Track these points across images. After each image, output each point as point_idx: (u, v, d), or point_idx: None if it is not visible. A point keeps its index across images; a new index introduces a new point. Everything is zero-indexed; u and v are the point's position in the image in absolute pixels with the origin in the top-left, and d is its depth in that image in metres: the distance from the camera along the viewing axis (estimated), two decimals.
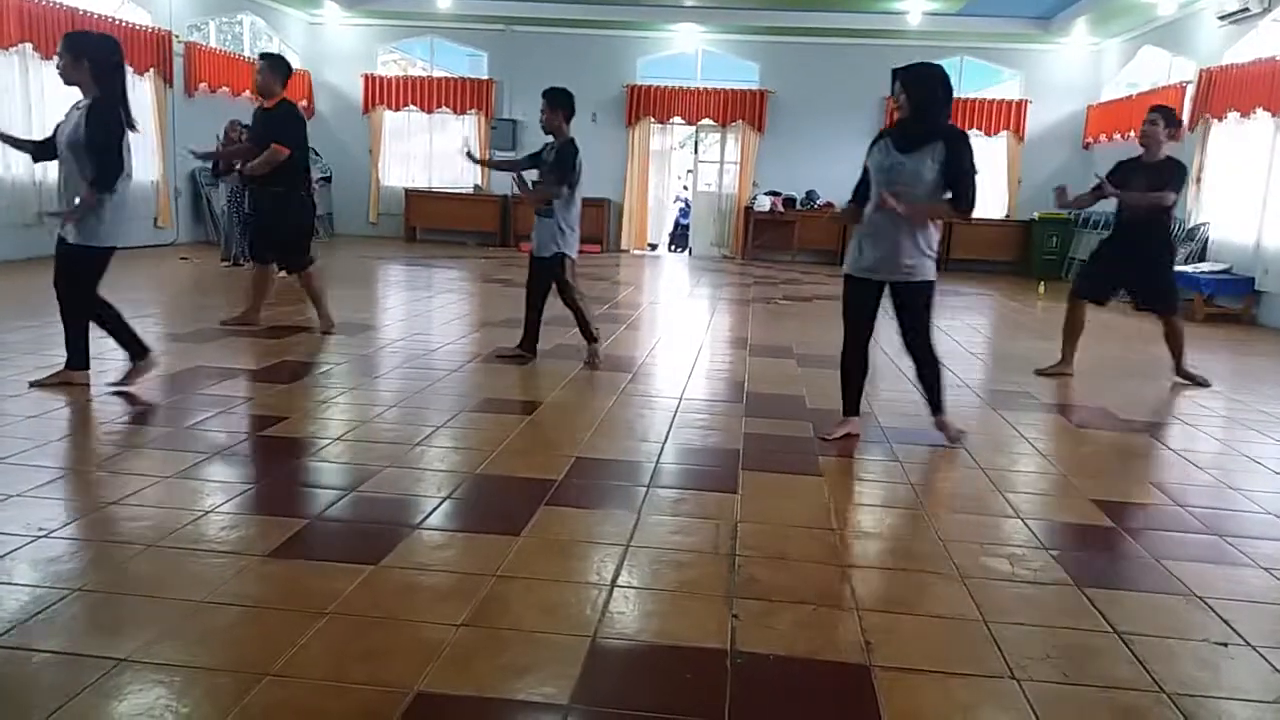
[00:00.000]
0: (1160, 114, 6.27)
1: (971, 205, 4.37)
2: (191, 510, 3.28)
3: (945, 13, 14.10)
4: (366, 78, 16.66)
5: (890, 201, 4.24)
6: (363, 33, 16.62)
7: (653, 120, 16.42)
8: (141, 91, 12.62)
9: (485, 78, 16.61)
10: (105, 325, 4.97)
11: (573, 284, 6.14)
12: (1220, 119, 11.12)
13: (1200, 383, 6.36)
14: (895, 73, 4.33)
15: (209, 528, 3.15)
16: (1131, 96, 13.89)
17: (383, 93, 16.77)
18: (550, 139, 6.20)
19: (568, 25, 15.75)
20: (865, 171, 4.53)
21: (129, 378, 5.00)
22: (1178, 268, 10.92)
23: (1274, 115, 10.08)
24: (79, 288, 4.83)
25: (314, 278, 7.00)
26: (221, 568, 2.83)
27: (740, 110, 16.15)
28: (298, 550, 2.99)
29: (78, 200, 4.69)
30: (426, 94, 16.79)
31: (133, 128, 4.90)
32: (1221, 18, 11.12)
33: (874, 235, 4.44)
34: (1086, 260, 7.11)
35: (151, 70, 12.54)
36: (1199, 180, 11.59)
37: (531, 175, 6.43)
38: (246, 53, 15.37)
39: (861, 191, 4.56)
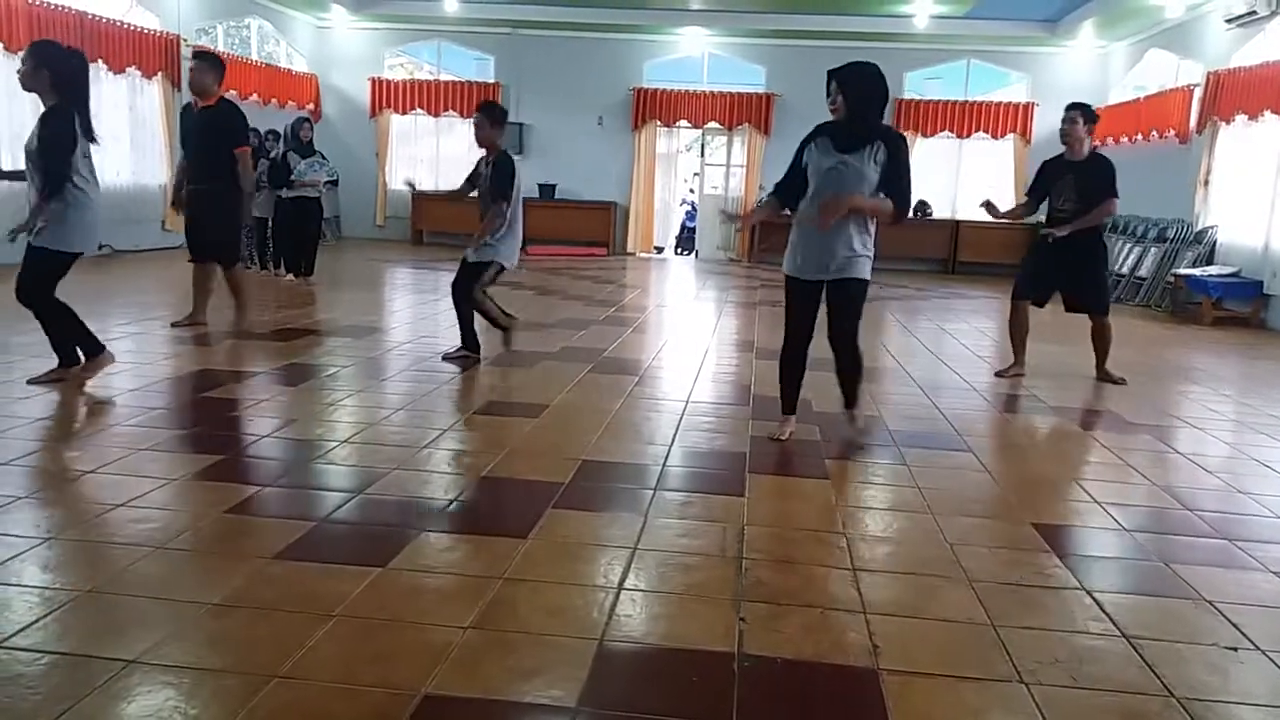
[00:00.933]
0: (1079, 111, 6.21)
1: (907, 208, 4.38)
2: (199, 512, 3.29)
3: (952, 16, 14.08)
4: (373, 81, 16.70)
5: (830, 213, 4.21)
6: (370, 36, 16.66)
7: (659, 123, 16.43)
8: (149, 95, 12.67)
9: (492, 81, 16.64)
10: (48, 327, 4.99)
11: (483, 288, 6.17)
12: (1228, 122, 11.10)
13: (1117, 381, 6.35)
14: (831, 73, 4.26)
15: (217, 530, 3.16)
16: (1139, 99, 13.87)
17: (389, 96, 16.80)
18: (484, 154, 6.18)
19: (574, 29, 15.77)
20: (795, 168, 4.44)
21: (46, 376, 5.00)
22: (1186, 270, 10.95)
23: None
24: (38, 288, 4.87)
25: (241, 277, 7.13)
26: (229, 570, 2.84)
27: (746, 113, 16.16)
28: (305, 552, 2.99)
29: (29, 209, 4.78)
30: (433, 97, 16.82)
31: (91, 138, 4.91)
32: (1229, 21, 11.09)
33: (810, 235, 4.38)
34: (1022, 261, 7.11)
35: (160, 74, 12.58)
36: (1207, 183, 11.57)
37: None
38: (254, 56, 15.41)
39: (789, 187, 4.48)
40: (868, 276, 4.48)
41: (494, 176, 6.08)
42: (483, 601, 2.69)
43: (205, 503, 3.40)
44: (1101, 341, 6.46)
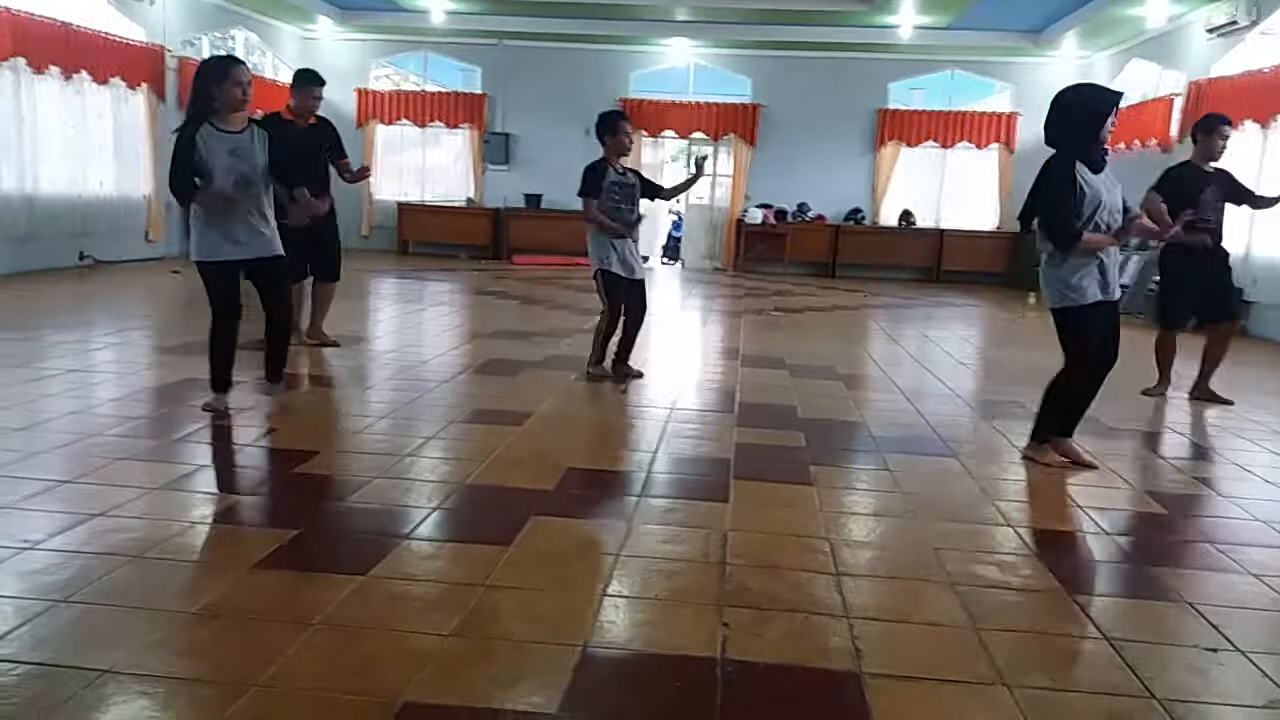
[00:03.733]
0: (1228, 123, 6.18)
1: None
2: (179, 521, 3.26)
3: (936, 26, 14.16)
4: (360, 92, 16.67)
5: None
6: (356, 47, 16.65)
7: (645, 134, 16.45)
8: (134, 106, 12.62)
9: (478, 92, 16.66)
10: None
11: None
12: (1231, 123, 11.17)
13: (1226, 401, 6.22)
14: (1116, 96, 4.38)
15: (197, 539, 3.14)
16: (1122, 109, 13.96)
17: (376, 107, 16.79)
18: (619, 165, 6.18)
19: (561, 40, 15.80)
20: (1086, 197, 4.26)
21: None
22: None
23: (1263, 127, 10.15)
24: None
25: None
26: (209, 579, 2.82)
27: (732, 124, 16.21)
28: (286, 561, 2.97)
29: None
30: (419, 108, 16.82)
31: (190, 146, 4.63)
32: (1210, 30, 11.19)
33: (1109, 254, 4.35)
34: (1169, 288, 6.42)
35: (144, 85, 12.54)
36: None
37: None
38: None
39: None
40: None
41: (643, 185, 6.16)
42: (464, 609, 2.67)
43: (185, 512, 3.37)
44: (1221, 350, 6.24)
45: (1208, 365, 6.31)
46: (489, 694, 2.25)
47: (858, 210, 16.12)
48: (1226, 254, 6.29)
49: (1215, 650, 2.64)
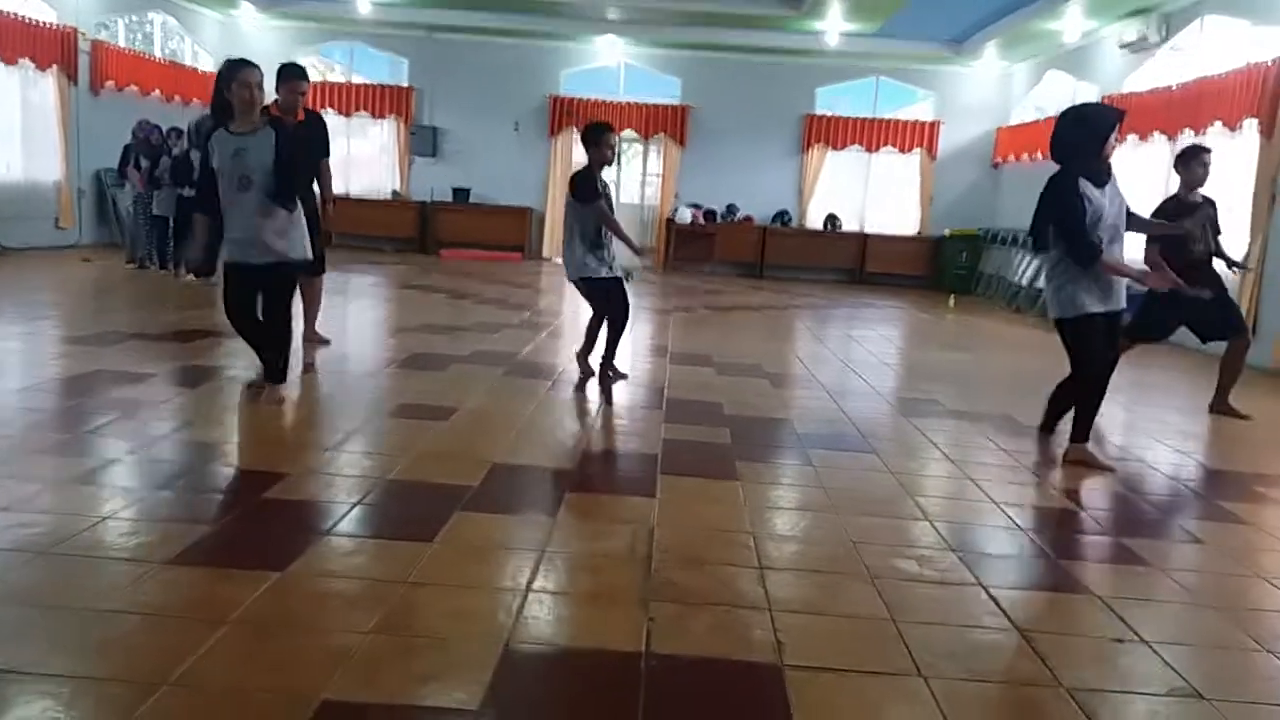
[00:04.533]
0: (1209, 153, 6.17)
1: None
2: (88, 516, 3.15)
3: (862, 34, 14.41)
4: None
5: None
6: (280, 35, 16.27)
7: (575, 131, 16.40)
8: (44, 89, 12.16)
9: (406, 84, 16.43)
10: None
11: None
12: (1121, 142, 11.58)
13: (1244, 417, 6.19)
14: (1118, 115, 4.46)
15: (106, 534, 3.03)
16: (1039, 120, 14.38)
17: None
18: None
19: (491, 34, 15.67)
20: (1088, 211, 4.37)
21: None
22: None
23: (1170, 139, 10.54)
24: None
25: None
26: (119, 575, 2.72)
27: (662, 124, 16.27)
28: (200, 557, 2.89)
29: None
30: (345, 99, 16.52)
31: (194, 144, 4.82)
32: (1122, 46, 11.60)
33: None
34: (1149, 308, 6.23)
35: (54, 67, 12.09)
36: None
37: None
38: (157, 53, 14.93)
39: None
40: None
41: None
42: (385, 606, 2.63)
43: (94, 506, 3.26)
44: (1237, 365, 6.20)
45: (1226, 381, 6.28)
46: (409, 691, 2.22)
47: (785, 212, 16.33)
48: (1217, 275, 6.25)
49: (1121, 641, 2.73)
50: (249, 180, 4.58)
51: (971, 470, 4.53)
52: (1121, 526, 3.84)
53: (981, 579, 3.13)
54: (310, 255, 4.94)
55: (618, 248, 6.08)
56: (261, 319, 4.83)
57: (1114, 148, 4.43)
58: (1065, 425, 4.89)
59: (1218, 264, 6.23)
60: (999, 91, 15.91)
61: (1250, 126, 9.05)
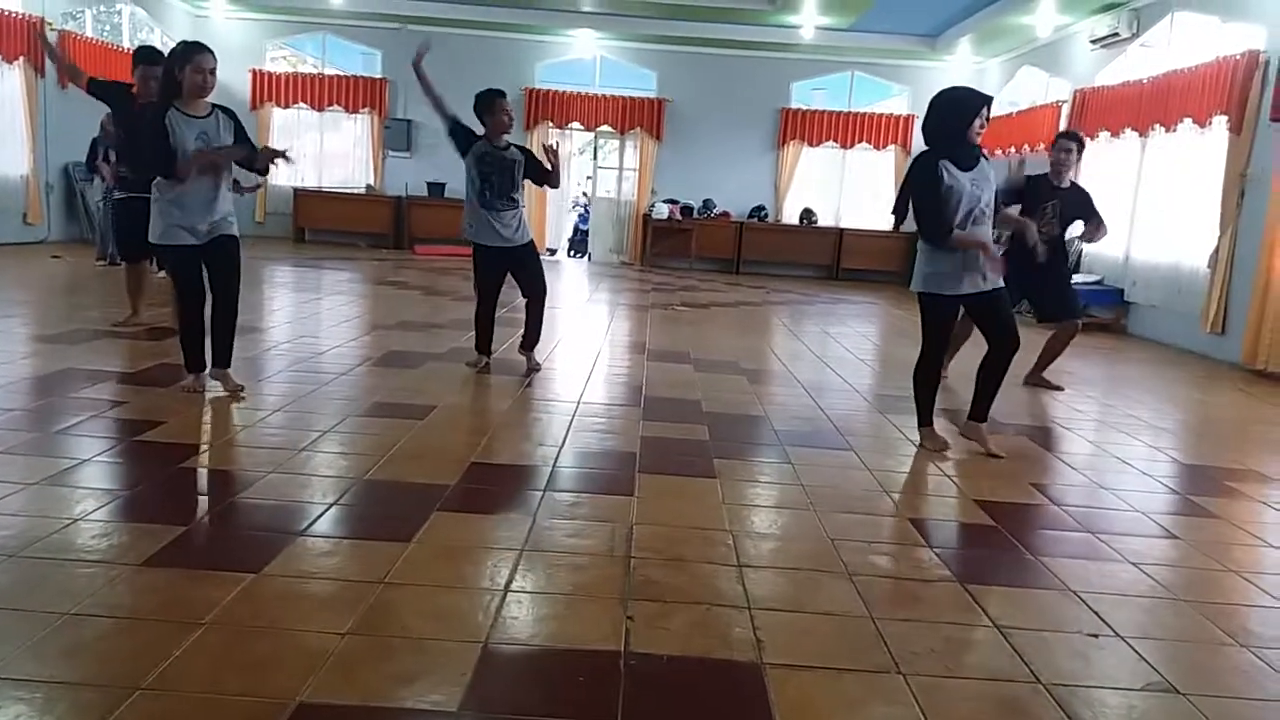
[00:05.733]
0: (1075, 141, 6.45)
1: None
2: (59, 518, 3.10)
3: (837, 28, 14.45)
4: (254, 73, 16.15)
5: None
6: (251, 27, 16.11)
7: (551, 124, 16.36)
8: (10, 81, 11.97)
9: (379, 76, 16.31)
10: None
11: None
12: (1092, 138, 11.67)
13: (1056, 388, 6.63)
14: (985, 99, 4.52)
15: (78, 536, 2.99)
16: (1012, 114, 14.47)
17: (271, 89, 16.29)
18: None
19: (465, 26, 15.58)
20: (940, 192, 4.42)
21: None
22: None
23: (1141, 135, 10.64)
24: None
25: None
26: (91, 578, 2.68)
27: (638, 118, 16.24)
28: (174, 559, 2.86)
29: None
30: (317, 92, 16.38)
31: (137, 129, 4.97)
32: (1094, 41, 11.70)
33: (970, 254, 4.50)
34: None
35: (21, 59, 11.90)
36: None
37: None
38: (126, 44, 14.72)
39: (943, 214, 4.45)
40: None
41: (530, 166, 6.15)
42: (362, 607, 2.61)
43: (66, 508, 3.21)
44: (1061, 346, 6.64)
45: (1046, 357, 6.70)
46: (387, 693, 2.20)
47: (761, 208, 16.35)
48: (1065, 259, 6.67)
49: (1097, 636, 2.76)
50: (214, 164, 4.71)
51: (948, 467, 4.55)
52: (1096, 522, 3.87)
53: (958, 575, 3.15)
54: None
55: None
56: (215, 298, 4.91)
57: (979, 132, 4.47)
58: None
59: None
60: (973, 86, 15.97)
61: (1220, 123, 9.14)
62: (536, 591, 2.84)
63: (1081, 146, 6.56)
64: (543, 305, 6.20)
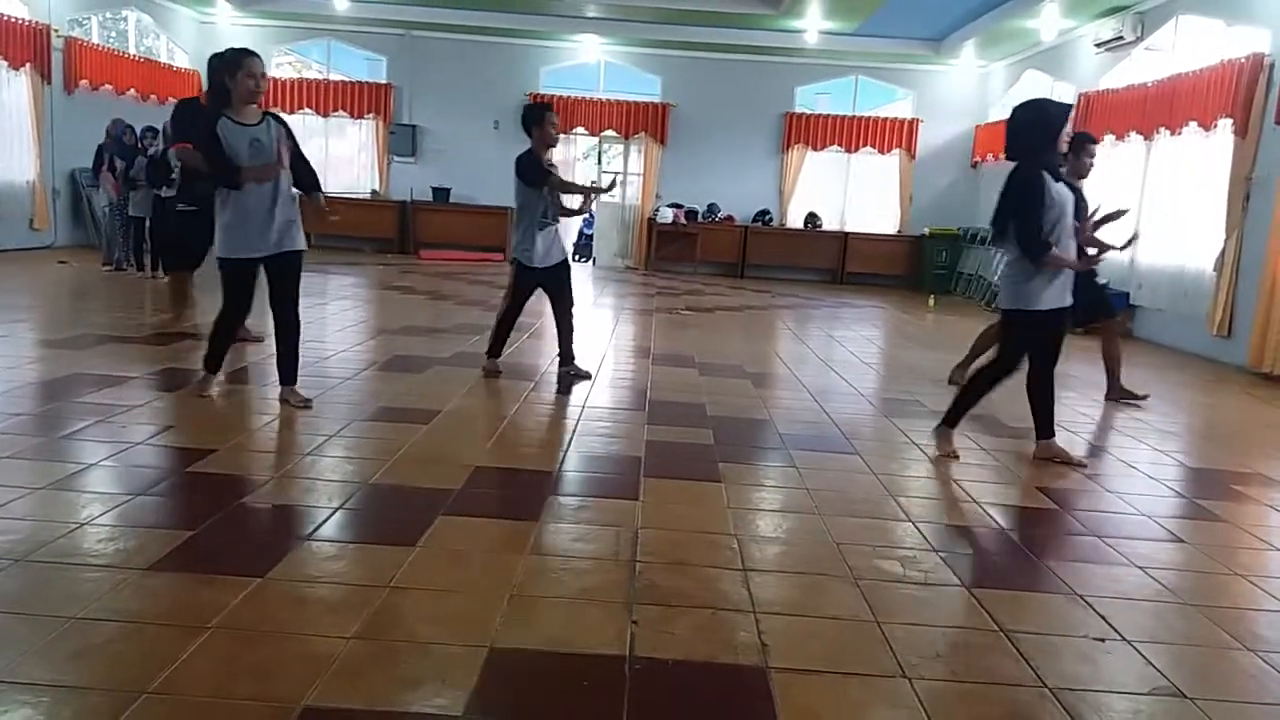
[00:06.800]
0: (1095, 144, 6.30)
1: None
2: (66, 522, 3.11)
3: (841, 32, 14.46)
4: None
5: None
6: (256, 33, 16.15)
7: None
8: (17, 88, 12.03)
9: (384, 82, 16.35)
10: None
11: None
12: (1098, 141, 11.66)
13: (1142, 397, 6.49)
14: (1067, 108, 4.49)
15: (85, 541, 3.00)
16: None
17: (277, 95, 16.31)
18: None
19: (469, 32, 15.62)
20: (1043, 210, 4.41)
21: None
22: None
23: (1145, 138, 10.63)
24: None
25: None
26: (98, 582, 2.69)
27: (643, 122, 16.26)
28: (180, 563, 2.86)
29: None
30: (322, 97, 16.42)
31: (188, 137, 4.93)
32: (1098, 45, 11.69)
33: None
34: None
35: (28, 65, 11.95)
36: None
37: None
38: (132, 50, 14.78)
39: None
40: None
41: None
42: (368, 611, 2.61)
43: (73, 512, 3.22)
44: (1114, 348, 6.47)
45: (1111, 367, 6.52)
46: (392, 697, 2.20)
47: (765, 212, 16.35)
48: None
49: (1103, 640, 2.75)
50: None
51: (954, 471, 4.55)
52: (1102, 525, 3.86)
53: (964, 579, 3.15)
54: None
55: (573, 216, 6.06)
56: (276, 313, 4.87)
57: (1065, 142, 4.46)
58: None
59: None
60: (977, 90, 16.00)
61: (1225, 126, 9.13)
62: (541, 596, 2.84)
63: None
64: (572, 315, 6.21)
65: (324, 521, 3.32)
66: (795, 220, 16.44)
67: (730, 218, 16.21)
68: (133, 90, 14.02)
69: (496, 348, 6.14)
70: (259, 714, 2.09)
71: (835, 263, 16.17)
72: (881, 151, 16.31)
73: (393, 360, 6.38)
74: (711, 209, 16.22)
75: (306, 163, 4.91)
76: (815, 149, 16.35)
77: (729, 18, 14.24)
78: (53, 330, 6.94)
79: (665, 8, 14.06)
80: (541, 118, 5.87)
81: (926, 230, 15.65)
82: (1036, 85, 14.23)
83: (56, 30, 12.42)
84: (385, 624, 2.56)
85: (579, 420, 5.04)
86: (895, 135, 16.26)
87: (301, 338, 5.01)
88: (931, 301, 13.49)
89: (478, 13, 14.88)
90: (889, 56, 15.59)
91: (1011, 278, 4.59)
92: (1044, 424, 4.80)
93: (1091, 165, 6.20)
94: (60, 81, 12.68)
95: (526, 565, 3.03)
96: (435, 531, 3.26)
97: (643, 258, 16.48)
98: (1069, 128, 4.48)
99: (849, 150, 16.39)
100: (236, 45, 4.88)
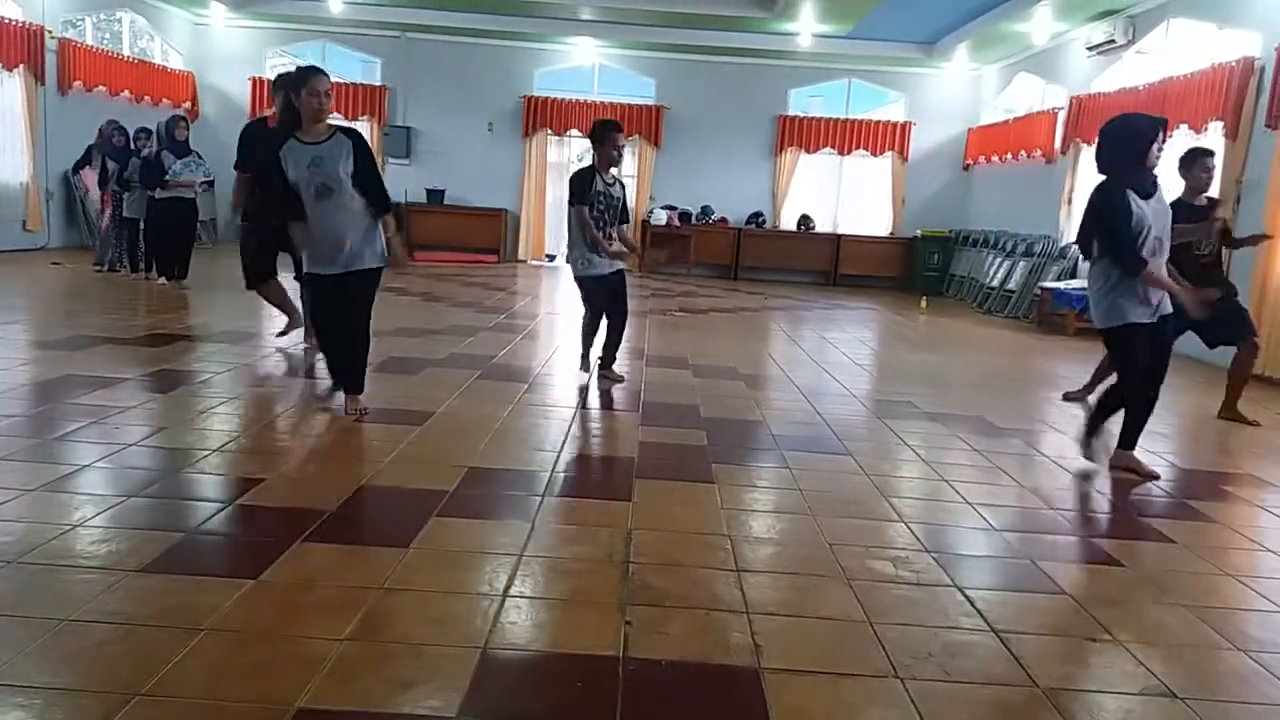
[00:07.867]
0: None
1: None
2: (58, 524, 3.11)
3: (834, 35, 14.48)
4: (254, 81, 16.18)
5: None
6: (251, 35, 16.15)
7: (550, 132, 16.40)
8: (11, 89, 12.00)
9: (378, 84, 16.34)
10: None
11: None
12: (1089, 144, 11.71)
13: (1252, 423, 6.24)
14: (1160, 123, 4.41)
15: (77, 542, 3.00)
16: (1008, 121, 14.52)
17: (271, 97, 16.29)
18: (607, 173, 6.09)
19: (464, 34, 15.61)
20: (1132, 224, 4.37)
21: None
22: (1051, 284, 11.49)
23: None
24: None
25: None
26: (90, 584, 2.69)
27: (637, 125, 16.26)
28: (174, 565, 2.86)
29: None
30: None
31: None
32: (1090, 48, 11.73)
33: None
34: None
35: (21, 66, 11.92)
36: (1070, 201, 12.18)
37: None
38: (126, 51, 14.75)
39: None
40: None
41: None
42: (361, 612, 2.62)
43: (65, 514, 3.22)
44: (1243, 372, 6.24)
45: (1234, 389, 6.35)
46: (386, 698, 2.20)
47: (759, 214, 16.38)
48: (1225, 278, 6.29)
49: (1094, 640, 2.77)
50: (328, 189, 4.53)
51: (946, 472, 4.56)
52: (1094, 527, 3.88)
53: (957, 580, 3.16)
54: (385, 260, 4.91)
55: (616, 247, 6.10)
56: (347, 332, 4.83)
57: (1157, 157, 4.41)
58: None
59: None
60: (969, 94, 16.04)
61: (1215, 129, 9.17)
62: (535, 597, 2.84)
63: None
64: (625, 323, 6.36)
65: (318, 523, 3.31)
66: (788, 222, 16.46)
67: (724, 220, 16.23)
68: (127, 92, 14.00)
69: (585, 360, 6.29)
70: (252, 716, 2.09)
71: (828, 265, 16.20)
72: (874, 154, 16.34)
73: (387, 362, 6.37)
74: (705, 211, 16.24)
75: (377, 180, 4.76)
76: (808, 151, 16.38)
77: (723, 20, 14.26)
78: (46, 332, 6.93)
79: (659, 10, 14.08)
80: (604, 137, 5.89)
81: (919, 232, 15.68)
82: (1028, 88, 14.29)
83: (50, 31, 12.40)
84: (378, 625, 2.56)
85: (573, 421, 5.05)
86: (888, 138, 16.30)
87: (370, 349, 4.99)
88: (923, 303, 13.52)
89: (472, 15, 14.88)
90: (882, 59, 15.63)
91: (1095, 294, 4.60)
92: (1127, 434, 4.75)
93: (1207, 179, 5.90)
94: (54, 83, 12.66)
95: (520, 566, 3.03)
96: (429, 533, 3.26)
97: (638, 260, 16.45)
98: (1160, 143, 4.38)
99: (842, 153, 16.42)
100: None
